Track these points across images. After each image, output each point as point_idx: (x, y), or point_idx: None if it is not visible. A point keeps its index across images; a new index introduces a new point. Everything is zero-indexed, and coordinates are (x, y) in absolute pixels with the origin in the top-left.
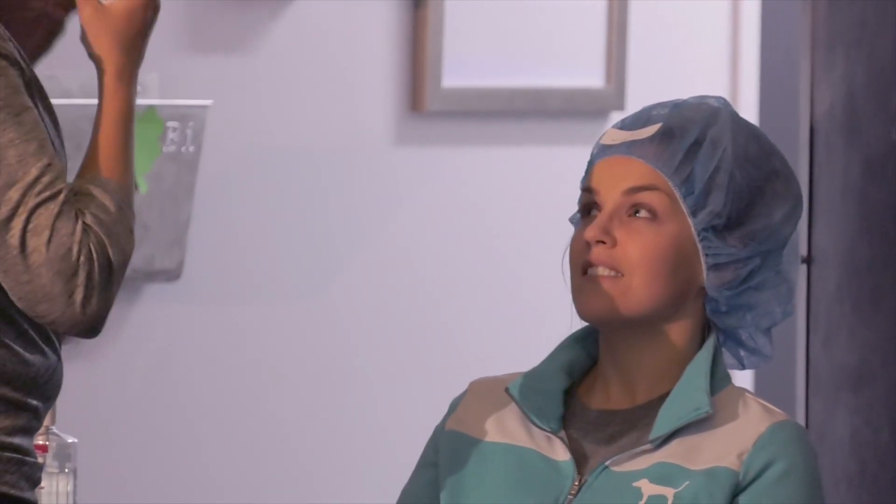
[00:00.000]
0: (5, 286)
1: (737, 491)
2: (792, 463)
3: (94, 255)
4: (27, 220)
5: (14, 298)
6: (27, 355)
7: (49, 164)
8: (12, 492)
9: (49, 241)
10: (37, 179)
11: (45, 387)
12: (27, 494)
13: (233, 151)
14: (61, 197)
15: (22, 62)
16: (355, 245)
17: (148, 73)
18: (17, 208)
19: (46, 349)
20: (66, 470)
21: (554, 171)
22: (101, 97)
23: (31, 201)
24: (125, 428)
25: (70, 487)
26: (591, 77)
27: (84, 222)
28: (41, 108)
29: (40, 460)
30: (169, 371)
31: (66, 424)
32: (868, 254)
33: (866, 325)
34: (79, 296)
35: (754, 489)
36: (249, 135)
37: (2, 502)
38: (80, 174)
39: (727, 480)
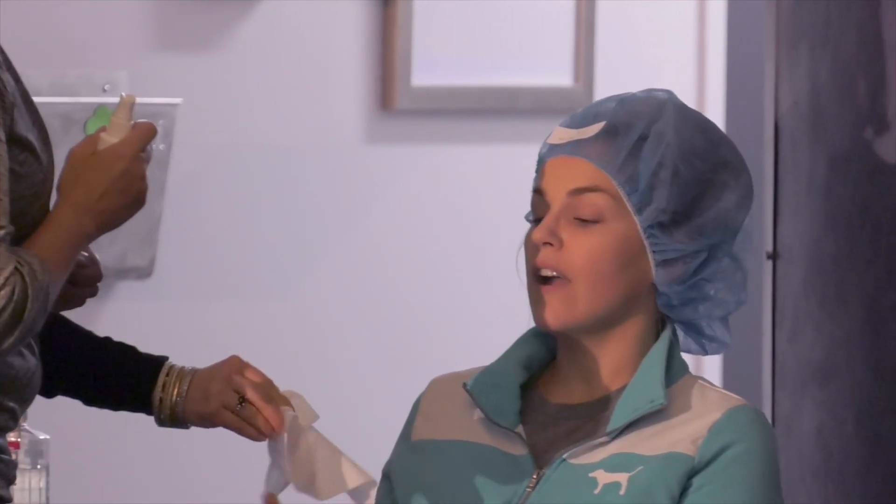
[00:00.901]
0: None
1: (692, 474)
2: (749, 445)
3: (14, 296)
4: None
5: None
6: (7, 358)
7: (3, 209)
8: None
9: None
10: None
11: (24, 389)
12: (2, 492)
13: (203, 149)
14: (2, 233)
15: (8, 84)
16: (327, 242)
17: (117, 71)
18: None
19: (26, 352)
20: (39, 466)
21: (523, 169)
22: (57, 228)
23: None
24: (97, 424)
25: (43, 484)
26: (559, 76)
27: (18, 267)
28: (30, 115)
29: (14, 458)
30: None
31: (37, 421)
32: (833, 249)
33: (832, 321)
34: None
35: (709, 470)
36: (220, 133)
37: None
38: (28, 245)
39: (682, 465)
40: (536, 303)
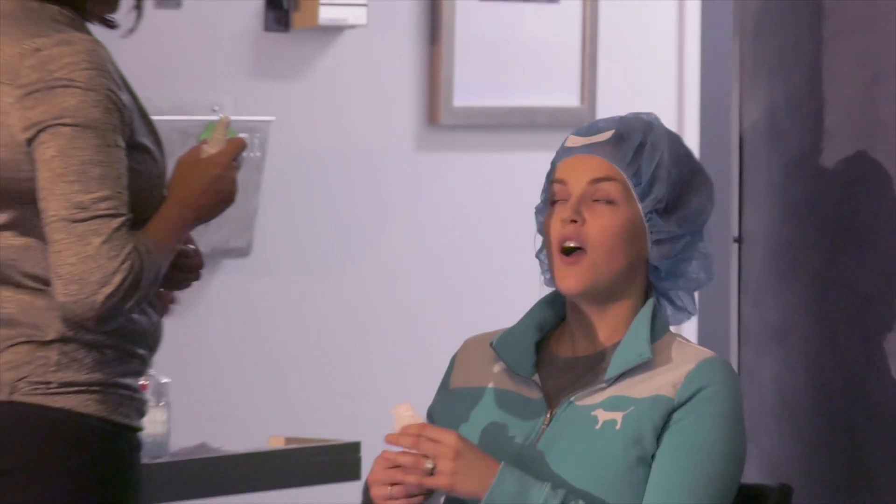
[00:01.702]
0: (51, 264)
1: (672, 412)
2: (718, 387)
3: (133, 270)
4: (90, 221)
5: (52, 276)
6: (135, 316)
7: (119, 193)
8: (125, 421)
9: (104, 242)
10: (108, 198)
11: (150, 340)
12: (136, 423)
13: (290, 156)
14: (123, 219)
15: (126, 103)
16: (384, 230)
17: (224, 95)
18: (86, 210)
19: (149, 311)
20: (162, 404)
21: (540, 173)
22: (165, 219)
23: (100, 210)
24: (206, 371)
25: (164, 417)
26: (569, 98)
27: (136, 246)
28: (145, 128)
29: (144, 397)
30: (240, 327)
31: (160, 368)
32: (787, 235)
33: (786, 291)
34: (107, 290)
35: (687, 408)
36: (303, 143)
37: (118, 429)
38: (144, 230)
39: (664, 405)
40: (560, 271)
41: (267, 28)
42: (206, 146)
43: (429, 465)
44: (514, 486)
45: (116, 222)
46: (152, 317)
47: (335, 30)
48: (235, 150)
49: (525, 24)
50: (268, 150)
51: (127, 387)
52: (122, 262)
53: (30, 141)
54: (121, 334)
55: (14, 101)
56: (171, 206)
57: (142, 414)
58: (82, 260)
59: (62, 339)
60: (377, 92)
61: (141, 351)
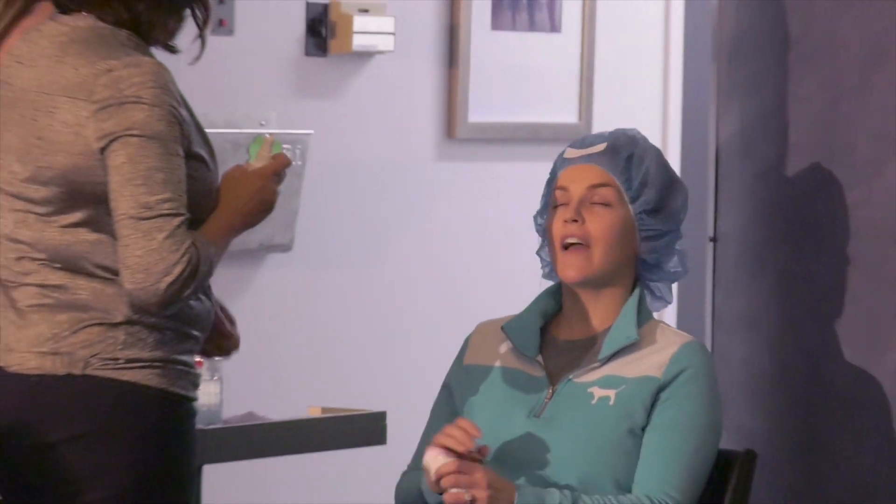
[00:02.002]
0: (120, 256)
1: (659, 390)
2: (697, 369)
3: (191, 261)
4: (154, 219)
5: (121, 266)
6: (192, 302)
7: (179, 195)
8: (182, 392)
9: (166, 238)
10: (170, 199)
11: (204, 323)
12: (191, 394)
13: (327, 165)
14: (182, 218)
15: (185, 118)
16: (408, 229)
17: (270, 111)
18: (151, 210)
19: (203, 298)
20: (215, 378)
21: (543, 179)
22: (232, 223)
23: (163, 209)
24: (254, 350)
25: (217, 390)
26: (568, 116)
27: (194, 242)
28: (201, 140)
29: (199, 371)
30: (282, 312)
31: None
32: (755, 235)
33: (754, 283)
34: (169, 279)
35: (672, 387)
36: (338, 154)
37: (176, 399)
38: (201, 232)
39: (652, 384)
40: (563, 263)
41: (307, 53)
42: (252, 162)
43: (467, 497)
44: (532, 496)
45: (177, 221)
46: (206, 303)
47: (366, 55)
48: (279, 166)
49: (531, 52)
50: (307, 160)
51: (183, 363)
52: (182, 255)
53: (102, 149)
54: (179, 318)
55: (89, 115)
56: (222, 212)
57: (196, 386)
58: (147, 253)
59: (128, 322)
60: (402, 109)
61: (195, 332)
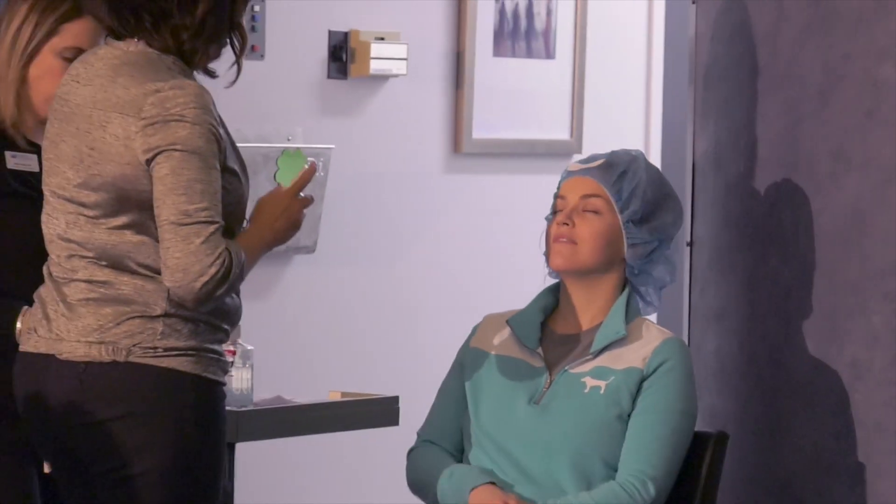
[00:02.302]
0: (161, 257)
1: (642, 380)
2: (676, 362)
3: (224, 264)
4: (192, 225)
5: (162, 266)
6: (226, 299)
7: (215, 205)
8: (213, 377)
9: (203, 242)
10: (207, 208)
11: (233, 318)
12: (222, 379)
13: (346, 176)
14: (218, 225)
15: (222, 136)
16: (419, 233)
17: (296, 127)
18: (190, 217)
19: (234, 295)
20: (247, 365)
21: (539, 189)
22: (263, 237)
23: (201, 217)
24: (281, 340)
25: (249, 376)
26: (561, 133)
27: (227, 247)
28: (234, 156)
29: (229, 360)
30: (307, 307)
31: (246, 338)
32: (727, 240)
33: (725, 283)
34: (204, 279)
35: (653, 378)
36: (356, 165)
37: (208, 383)
38: (236, 241)
39: (636, 375)
40: (553, 253)
41: (330, 76)
42: (280, 175)
43: None
44: None
45: (213, 227)
46: (236, 300)
47: (382, 78)
48: (300, 185)
49: (528, 76)
50: (330, 171)
51: (215, 351)
52: (216, 258)
53: (148, 161)
54: (212, 312)
55: (138, 130)
56: (254, 227)
57: (226, 372)
58: (185, 255)
59: (166, 315)
60: (414, 126)
61: (225, 326)
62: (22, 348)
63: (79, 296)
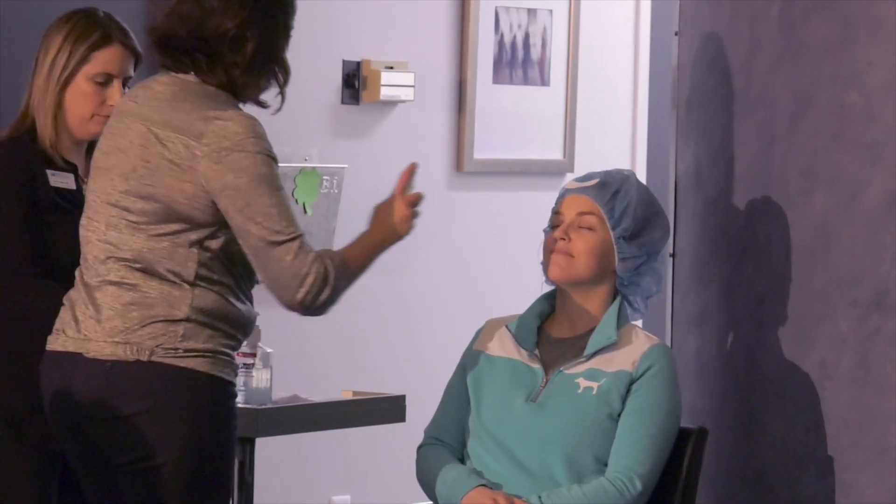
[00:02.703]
0: (261, 278)
1: (631, 383)
2: (662, 366)
3: (319, 271)
4: (280, 245)
5: (265, 286)
6: (241, 308)
7: (292, 220)
8: (226, 377)
9: (293, 258)
10: (287, 227)
11: (247, 328)
12: (233, 379)
13: (358, 193)
14: (301, 238)
15: (276, 159)
16: (425, 246)
17: (312, 148)
18: (275, 238)
19: (250, 307)
20: (266, 366)
21: (534, 205)
22: (374, 237)
23: (284, 237)
24: (298, 343)
25: (268, 376)
26: (555, 154)
27: (319, 255)
28: None
29: (250, 361)
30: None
31: (266, 342)
32: (706, 251)
33: (704, 290)
34: (303, 290)
35: (641, 381)
36: (368, 183)
37: (222, 383)
38: (342, 249)
39: (626, 378)
40: (550, 264)
41: (343, 101)
42: (298, 199)
43: None
44: None
45: (297, 242)
46: (252, 313)
47: (391, 103)
48: (403, 180)
49: (524, 101)
50: (343, 189)
51: (228, 354)
52: (310, 269)
53: (215, 190)
54: (228, 320)
55: (203, 155)
56: (369, 229)
57: (236, 374)
58: (280, 273)
59: (187, 319)
60: (420, 147)
61: (240, 336)
62: (49, 348)
63: (108, 299)
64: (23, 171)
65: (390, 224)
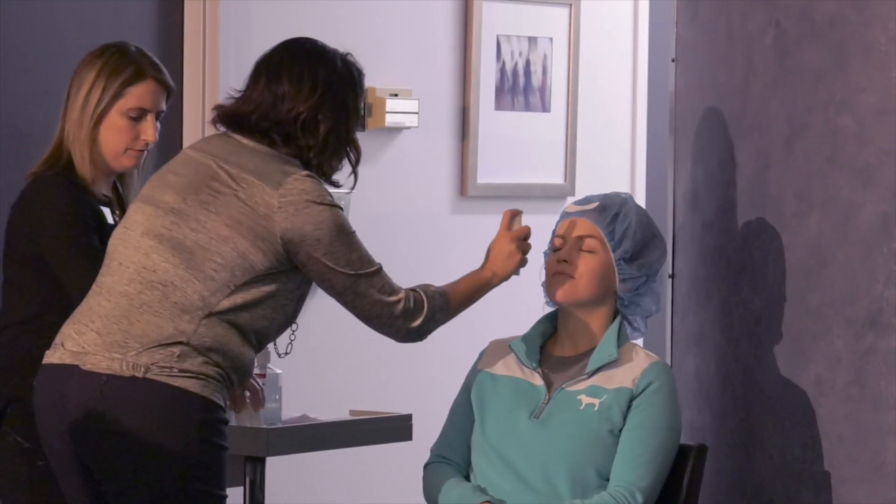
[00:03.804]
0: (356, 314)
1: (631, 399)
2: (661, 383)
3: (407, 299)
4: (363, 281)
5: (361, 319)
6: (248, 350)
7: (367, 258)
8: (218, 401)
9: (378, 290)
10: (365, 265)
11: (244, 372)
12: (223, 404)
13: (365, 216)
14: (379, 271)
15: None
16: (429, 268)
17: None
18: (358, 276)
19: (256, 350)
20: (276, 388)
21: (536, 227)
22: (482, 273)
23: (366, 274)
24: (307, 365)
25: (278, 397)
26: (556, 178)
27: (408, 291)
28: None
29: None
30: (330, 332)
31: (276, 364)
32: (704, 272)
33: (702, 310)
34: (393, 318)
35: (641, 397)
36: (374, 207)
37: (213, 405)
38: (449, 285)
39: (626, 394)
40: (552, 286)
41: None
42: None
43: None
44: None
45: (378, 274)
46: (254, 352)
47: (396, 129)
48: (519, 235)
49: (526, 127)
50: (350, 212)
51: (221, 381)
52: (397, 295)
53: (291, 239)
54: (228, 358)
55: (279, 205)
56: (483, 268)
57: (227, 399)
58: (371, 307)
59: (187, 343)
60: (424, 172)
61: (233, 375)
62: (46, 361)
63: (117, 312)
64: (89, 205)
65: (497, 261)
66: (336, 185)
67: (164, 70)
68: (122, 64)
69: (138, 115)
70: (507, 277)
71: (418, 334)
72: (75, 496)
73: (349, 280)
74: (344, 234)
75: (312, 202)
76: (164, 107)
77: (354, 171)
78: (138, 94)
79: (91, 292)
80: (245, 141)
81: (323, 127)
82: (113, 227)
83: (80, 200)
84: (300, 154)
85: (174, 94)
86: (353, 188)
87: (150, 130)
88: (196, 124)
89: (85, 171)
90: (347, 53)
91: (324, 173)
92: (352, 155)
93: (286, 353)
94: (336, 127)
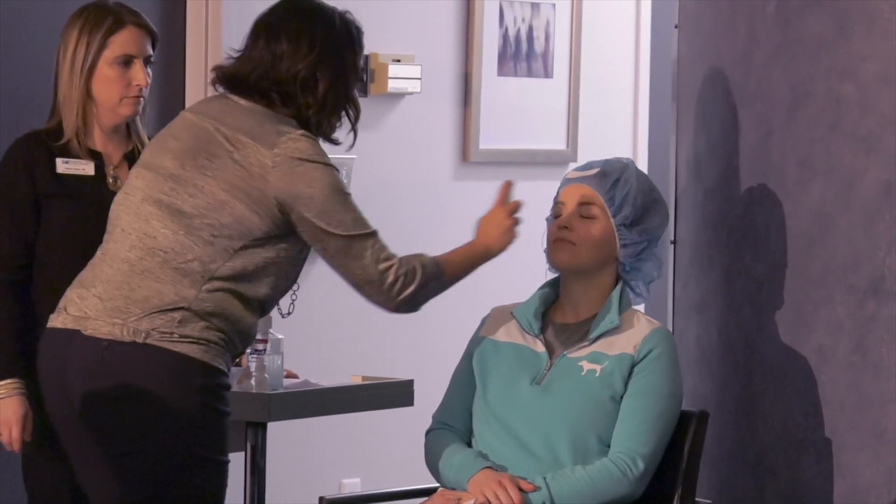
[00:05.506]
0: (348, 280)
1: (633, 365)
2: (663, 349)
3: (403, 266)
4: (360, 241)
5: (351, 284)
6: (250, 315)
7: (363, 219)
8: (220, 366)
9: (371, 253)
10: (360, 227)
11: (248, 337)
12: (224, 369)
13: (367, 182)
14: (374, 235)
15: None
16: (431, 234)
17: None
18: (352, 240)
19: (259, 315)
20: (278, 353)
21: (538, 194)
22: (476, 246)
23: (359, 237)
24: (308, 331)
25: (280, 362)
26: (558, 144)
27: (404, 258)
28: None
29: (260, 347)
30: (331, 300)
31: (277, 329)
32: (706, 239)
33: (704, 278)
34: (386, 282)
35: (643, 364)
36: (376, 173)
37: (215, 371)
38: (443, 255)
39: (627, 360)
40: (554, 252)
41: None
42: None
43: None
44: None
45: (371, 239)
46: (257, 317)
47: (399, 95)
48: (509, 210)
49: (528, 93)
50: (352, 178)
51: (222, 346)
52: (391, 261)
53: (284, 199)
54: (228, 320)
55: (273, 165)
56: (474, 240)
57: (229, 367)
58: (364, 269)
59: (188, 309)
60: (426, 139)
61: (237, 339)
62: (50, 325)
63: (118, 278)
64: (24, 159)
65: (493, 235)
66: (335, 142)
67: (144, 16)
68: (101, 17)
69: (126, 61)
70: (502, 250)
71: (410, 304)
72: (79, 460)
73: (341, 242)
74: (338, 194)
75: (306, 160)
76: (150, 51)
77: (354, 129)
78: (121, 42)
79: (96, 258)
80: (242, 102)
81: (322, 85)
82: (88, 179)
83: (14, 165)
84: (299, 113)
85: (175, 69)
86: (352, 146)
87: (139, 75)
88: None
89: (70, 128)
90: (346, 11)
91: (323, 132)
92: (351, 113)
93: (289, 314)
94: (335, 85)
